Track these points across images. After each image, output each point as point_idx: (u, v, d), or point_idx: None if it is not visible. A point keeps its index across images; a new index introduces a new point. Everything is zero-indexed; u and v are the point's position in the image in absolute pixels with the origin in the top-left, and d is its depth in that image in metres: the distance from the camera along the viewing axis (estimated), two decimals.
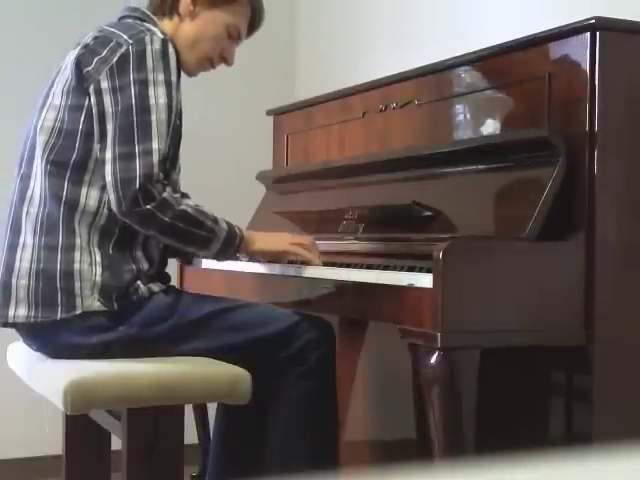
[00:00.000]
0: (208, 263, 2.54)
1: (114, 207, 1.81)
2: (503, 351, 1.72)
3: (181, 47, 1.99)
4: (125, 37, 1.86)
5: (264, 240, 1.99)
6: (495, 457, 0.63)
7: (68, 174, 1.87)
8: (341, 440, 2.34)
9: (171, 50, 1.87)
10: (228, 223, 1.91)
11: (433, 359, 1.62)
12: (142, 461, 1.76)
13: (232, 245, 1.91)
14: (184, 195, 1.90)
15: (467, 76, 2.12)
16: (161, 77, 1.84)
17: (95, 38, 1.90)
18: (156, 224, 1.82)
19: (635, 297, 1.81)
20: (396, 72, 2.36)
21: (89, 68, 1.86)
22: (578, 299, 1.73)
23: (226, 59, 2.09)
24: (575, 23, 1.79)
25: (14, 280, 1.86)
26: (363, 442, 2.49)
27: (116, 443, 1.93)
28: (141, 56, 1.83)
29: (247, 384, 1.78)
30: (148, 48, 1.84)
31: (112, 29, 1.91)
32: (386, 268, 1.93)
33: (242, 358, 1.86)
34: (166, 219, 1.81)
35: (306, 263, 2.02)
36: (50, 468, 2.99)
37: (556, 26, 1.84)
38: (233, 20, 2.05)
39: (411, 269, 1.83)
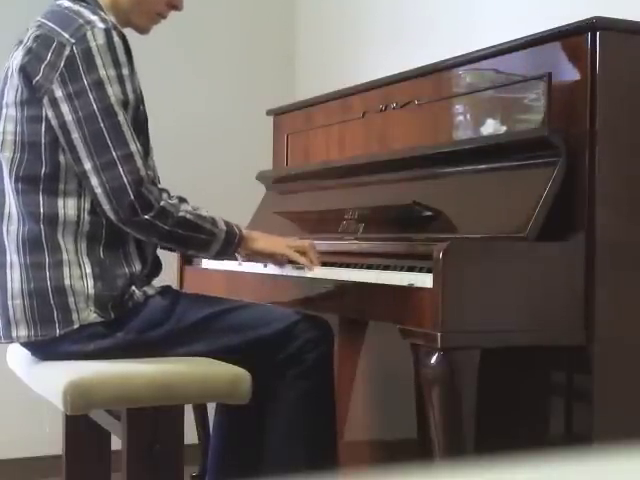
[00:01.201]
0: (208, 263, 2.54)
1: (112, 217, 1.80)
2: (503, 351, 1.72)
3: (127, 8, 1.96)
4: (66, 36, 1.80)
5: (264, 240, 1.99)
6: (495, 457, 0.63)
7: (41, 188, 1.83)
8: (341, 440, 2.34)
9: (116, 39, 1.80)
10: (227, 223, 1.91)
11: (433, 359, 1.62)
12: (142, 461, 1.76)
13: (231, 245, 1.91)
14: (182, 200, 1.88)
15: (467, 76, 2.12)
16: (113, 72, 1.79)
17: (36, 38, 1.84)
18: (156, 232, 1.82)
19: (635, 297, 1.81)
20: (396, 72, 2.36)
21: (38, 77, 1.81)
22: (578, 299, 1.73)
23: (176, 6, 2.03)
24: (575, 23, 1.78)
25: (9, 302, 1.84)
26: (363, 442, 2.49)
27: (116, 443, 1.93)
28: (88, 56, 1.78)
29: (247, 384, 1.77)
30: (92, 45, 1.78)
31: (51, 24, 1.84)
32: (386, 268, 1.93)
33: (241, 358, 1.85)
34: (166, 227, 1.82)
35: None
36: (50, 468, 2.99)
37: (556, 26, 1.83)
38: None
39: (411, 269, 1.83)
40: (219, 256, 1.94)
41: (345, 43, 3.37)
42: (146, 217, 1.79)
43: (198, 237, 1.86)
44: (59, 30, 1.82)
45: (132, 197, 1.77)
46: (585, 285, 1.74)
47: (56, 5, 1.91)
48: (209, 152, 3.46)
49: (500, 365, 1.86)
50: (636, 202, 1.82)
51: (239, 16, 3.62)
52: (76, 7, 1.86)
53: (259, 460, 1.95)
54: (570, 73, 1.80)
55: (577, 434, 1.82)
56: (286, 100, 3.18)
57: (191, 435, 2.32)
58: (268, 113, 2.95)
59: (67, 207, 1.83)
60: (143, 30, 2.03)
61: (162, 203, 1.80)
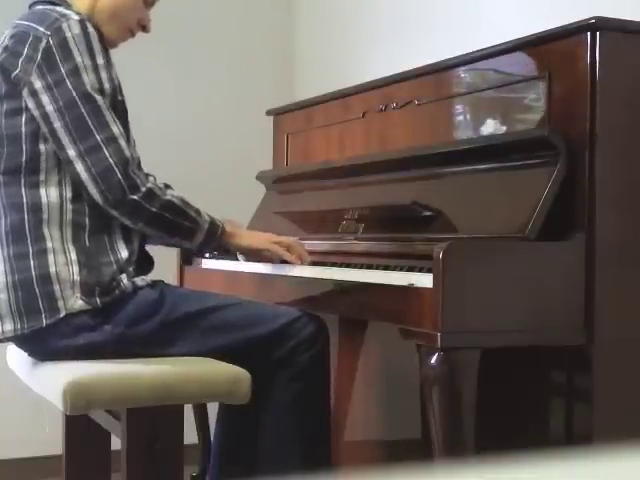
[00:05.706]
0: (208, 263, 2.54)
1: (99, 200, 1.80)
2: (503, 351, 1.72)
3: (101, 22, 1.97)
4: (42, 29, 1.82)
5: (247, 237, 2.03)
6: (495, 457, 0.63)
7: (23, 180, 1.84)
8: (341, 440, 2.34)
9: (91, 30, 1.84)
10: (210, 215, 1.93)
11: (433, 359, 1.62)
12: (142, 461, 1.76)
13: (214, 237, 1.93)
14: (167, 186, 1.90)
15: (467, 76, 2.12)
16: (88, 61, 1.82)
17: (12, 37, 1.87)
18: (144, 215, 1.83)
19: (635, 297, 1.81)
20: (396, 72, 2.36)
21: (16, 71, 1.83)
22: (578, 299, 1.73)
23: (145, 27, 2.07)
24: (575, 23, 1.78)
25: None
26: (363, 442, 2.49)
27: (116, 443, 1.93)
28: (64, 45, 1.81)
29: (247, 384, 1.77)
30: (68, 35, 1.81)
31: (26, 22, 1.87)
32: (386, 268, 1.93)
33: (239, 357, 1.85)
34: (153, 209, 1.83)
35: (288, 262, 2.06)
36: (50, 468, 2.99)
37: (556, 26, 1.83)
38: None
39: (411, 269, 1.83)
40: (203, 247, 1.96)
41: (345, 43, 3.37)
42: (134, 197, 1.80)
43: (183, 224, 1.88)
44: (35, 25, 1.85)
45: (119, 176, 1.79)
46: (585, 285, 1.74)
47: (32, 9, 1.96)
48: (209, 152, 3.46)
49: (500, 365, 1.86)
50: (636, 202, 1.82)
51: (239, 16, 3.62)
52: (51, 6, 1.91)
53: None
54: (570, 73, 1.80)
55: (577, 434, 1.82)
56: (286, 100, 3.18)
57: (191, 435, 2.32)
58: (268, 113, 2.95)
59: (50, 196, 1.84)
60: (112, 44, 2.04)
61: (149, 185, 1.83)
